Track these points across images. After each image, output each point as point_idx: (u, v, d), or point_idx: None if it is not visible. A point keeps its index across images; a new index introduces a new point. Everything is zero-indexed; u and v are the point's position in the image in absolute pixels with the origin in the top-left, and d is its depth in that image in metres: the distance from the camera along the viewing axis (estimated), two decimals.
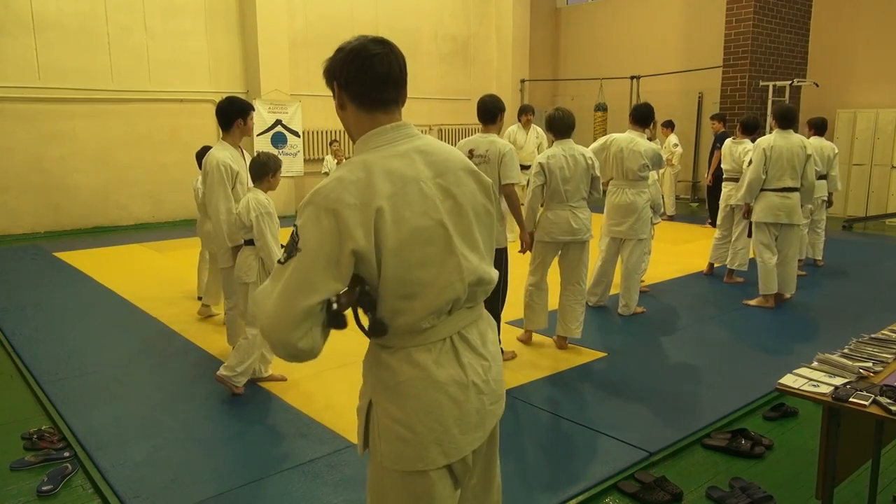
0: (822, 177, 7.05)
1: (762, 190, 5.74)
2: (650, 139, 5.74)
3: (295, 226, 1.48)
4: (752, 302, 5.99)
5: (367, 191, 1.46)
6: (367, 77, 1.54)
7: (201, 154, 5.62)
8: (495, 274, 1.68)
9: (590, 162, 4.68)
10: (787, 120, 5.75)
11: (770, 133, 5.84)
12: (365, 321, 1.58)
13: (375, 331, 1.53)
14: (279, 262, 1.49)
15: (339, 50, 1.59)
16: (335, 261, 1.44)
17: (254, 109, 4.34)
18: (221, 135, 4.29)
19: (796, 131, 5.85)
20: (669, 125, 11.10)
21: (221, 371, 3.97)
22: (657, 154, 5.45)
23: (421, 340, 1.56)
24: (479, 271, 1.61)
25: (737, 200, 6.14)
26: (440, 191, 1.56)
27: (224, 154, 4.14)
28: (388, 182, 1.48)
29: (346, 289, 1.50)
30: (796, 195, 5.71)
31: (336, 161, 11.04)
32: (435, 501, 1.61)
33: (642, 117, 5.52)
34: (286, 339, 1.47)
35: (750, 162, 5.82)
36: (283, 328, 1.46)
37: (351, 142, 1.65)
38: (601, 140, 5.64)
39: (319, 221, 1.44)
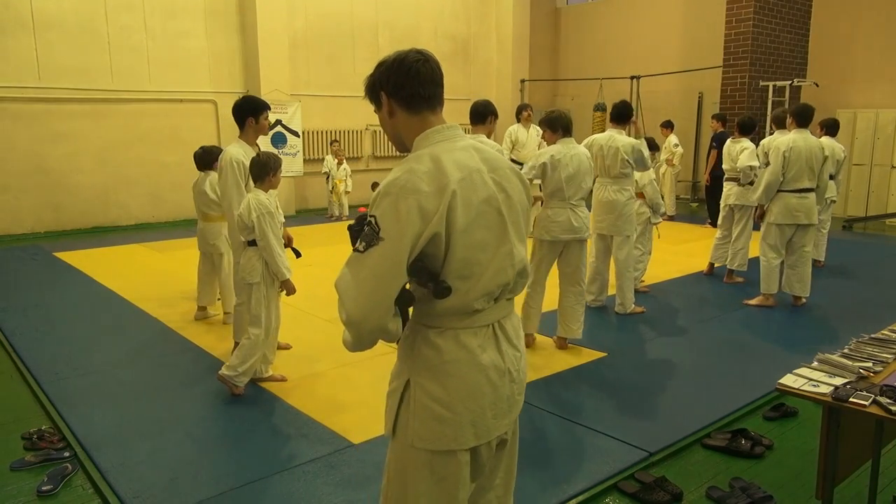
0: (830, 177, 7.06)
1: (778, 191, 5.71)
2: (636, 137, 5.76)
3: (373, 216, 1.56)
4: (753, 301, 5.98)
5: (439, 177, 1.57)
6: (415, 81, 1.66)
7: (199, 155, 5.62)
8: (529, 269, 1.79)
9: (591, 162, 4.73)
10: (805, 118, 5.73)
11: (774, 132, 5.83)
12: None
13: (440, 293, 1.60)
14: (357, 250, 1.57)
15: (381, 64, 1.70)
16: (414, 247, 1.54)
17: (269, 108, 4.39)
18: (239, 133, 4.36)
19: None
20: (669, 125, 11.10)
21: (223, 371, 3.97)
22: (636, 149, 5.41)
23: (469, 323, 1.66)
24: (525, 261, 1.75)
25: (755, 201, 6.08)
26: (495, 183, 1.68)
27: (238, 151, 4.23)
28: (457, 169, 1.60)
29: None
30: (813, 195, 5.71)
31: (336, 161, 11.03)
32: (458, 484, 1.70)
33: (619, 115, 5.55)
34: (380, 324, 1.57)
35: (766, 165, 5.79)
36: (378, 315, 1.55)
37: (390, 144, 1.69)
38: (584, 143, 5.66)
39: (398, 210, 1.53)
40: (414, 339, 1.71)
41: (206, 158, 5.48)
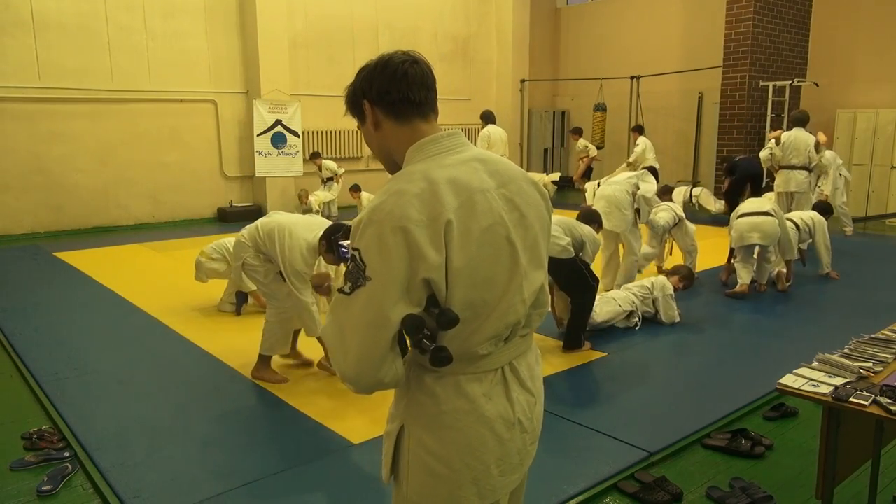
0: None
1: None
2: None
3: (356, 249, 1.34)
4: (732, 291, 6.29)
5: (433, 203, 1.33)
6: (403, 83, 1.43)
7: None
8: (549, 296, 1.57)
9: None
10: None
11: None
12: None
13: (438, 360, 1.33)
14: (343, 291, 1.35)
15: (364, 69, 1.49)
16: (407, 286, 1.32)
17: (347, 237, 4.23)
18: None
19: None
20: (638, 129, 10.84)
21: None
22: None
23: (473, 369, 1.43)
24: (540, 292, 1.50)
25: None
26: (505, 202, 1.43)
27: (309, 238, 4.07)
28: (454, 193, 1.35)
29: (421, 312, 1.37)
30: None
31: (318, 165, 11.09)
32: None
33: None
34: (374, 379, 1.37)
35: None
36: (370, 370, 1.36)
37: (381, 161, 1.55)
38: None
39: (384, 244, 1.30)
40: (409, 380, 1.47)
41: None
